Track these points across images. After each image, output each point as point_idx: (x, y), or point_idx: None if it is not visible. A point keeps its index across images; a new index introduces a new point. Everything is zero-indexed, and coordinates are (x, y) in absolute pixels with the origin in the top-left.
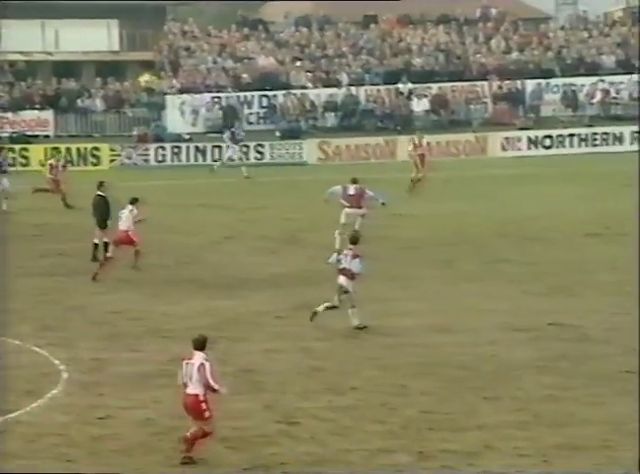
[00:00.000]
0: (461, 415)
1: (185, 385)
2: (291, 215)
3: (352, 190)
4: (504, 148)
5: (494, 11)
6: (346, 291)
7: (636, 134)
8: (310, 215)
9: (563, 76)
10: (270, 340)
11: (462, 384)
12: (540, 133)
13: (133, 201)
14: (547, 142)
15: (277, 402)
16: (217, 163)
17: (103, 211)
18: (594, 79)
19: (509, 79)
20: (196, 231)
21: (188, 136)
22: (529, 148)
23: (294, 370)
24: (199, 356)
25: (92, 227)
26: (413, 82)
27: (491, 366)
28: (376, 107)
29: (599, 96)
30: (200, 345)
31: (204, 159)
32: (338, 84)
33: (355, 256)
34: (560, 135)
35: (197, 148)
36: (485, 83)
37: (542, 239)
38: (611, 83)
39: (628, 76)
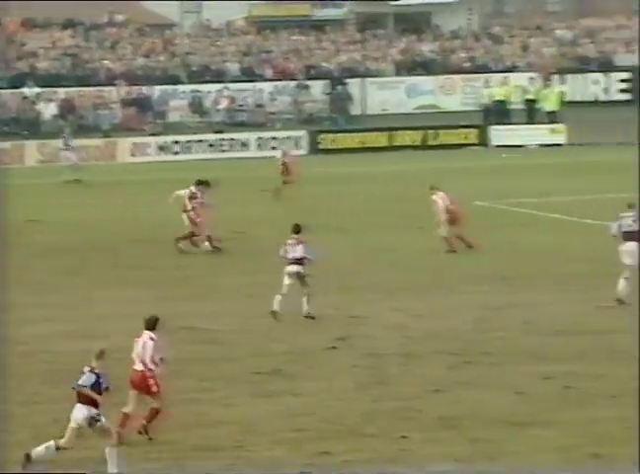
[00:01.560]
0: None
1: (134, 362)
2: None
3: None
4: (133, 154)
5: (120, 17)
6: (303, 276)
7: (260, 140)
8: None
9: (189, 83)
10: None
11: None
12: (169, 139)
13: (198, 183)
14: (176, 148)
15: None
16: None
17: None
18: (219, 86)
19: (136, 85)
20: None
21: None
22: (158, 154)
23: None
24: (146, 335)
25: None
26: (39, 86)
27: (123, 373)
28: (1, 111)
29: (224, 103)
30: (151, 324)
31: None
32: None
33: (299, 243)
34: (188, 141)
35: None
36: (113, 88)
37: (172, 244)
38: (236, 90)
39: (252, 84)
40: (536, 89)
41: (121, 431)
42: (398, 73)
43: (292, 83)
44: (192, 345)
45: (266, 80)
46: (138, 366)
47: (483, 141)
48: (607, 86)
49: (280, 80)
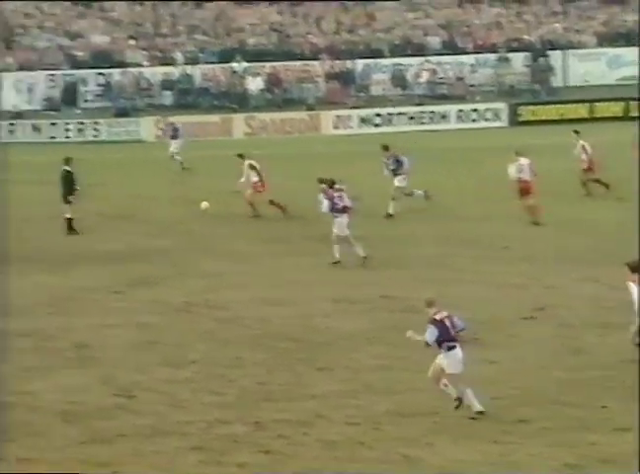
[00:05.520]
0: (295, 385)
1: None
2: (129, 192)
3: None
4: (336, 126)
5: None
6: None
7: (461, 113)
8: (148, 193)
9: (392, 56)
10: (106, 315)
11: (295, 355)
12: (371, 112)
13: (518, 153)
14: (377, 120)
15: (113, 376)
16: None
17: (67, 186)
18: (420, 59)
19: (339, 59)
20: (29, 207)
21: (16, 110)
22: (360, 126)
23: (131, 345)
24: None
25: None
26: (247, 61)
27: (323, 338)
28: (212, 85)
29: (425, 76)
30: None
31: (40, 136)
32: (173, 63)
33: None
34: (389, 114)
35: (33, 126)
36: (317, 62)
37: (371, 215)
38: (437, 63)
39: (453, 57)
40: None
41: None
42: (600, 44)
43: (493, 55)
44: (389, 312)
45: (466, 53)
46: None
47: None
48: None
49: (480, 53)
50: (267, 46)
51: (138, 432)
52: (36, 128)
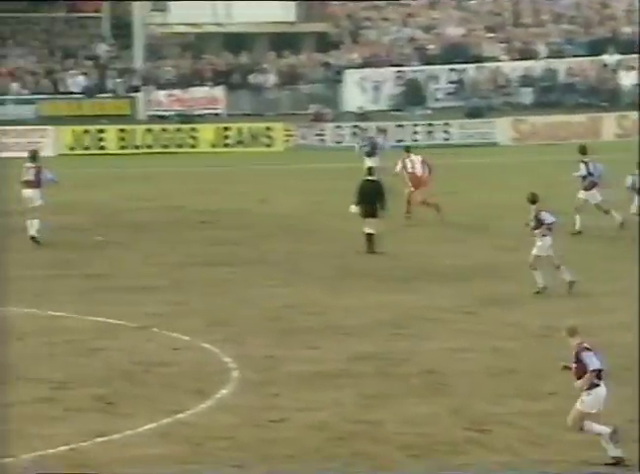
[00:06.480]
0: None
1: None
2: (481, 201)
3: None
4: None
5: None
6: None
7: None
8: (501, 202)
9: None
10: (456, 338)
11: None
12: None
13: None
14: None
15: (464, 407)
16: None
17: (378, 198)
18: None
19: None
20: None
21: (361, 111)
22: None
23: (484, 372)
24: None
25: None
26: (620, 53)
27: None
28: (578, 81)
29: None
30: None
31: (386, 139)
32: (535, 56)
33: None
34: None
35: (378, 128)
36: None
37: None
38: None
39: None
40: None
41: None
42: None
43: None
44: None
45: None
46: None
47: None
48: None
49: None
50: None
51: (493, 470)
52: (381, 131)
